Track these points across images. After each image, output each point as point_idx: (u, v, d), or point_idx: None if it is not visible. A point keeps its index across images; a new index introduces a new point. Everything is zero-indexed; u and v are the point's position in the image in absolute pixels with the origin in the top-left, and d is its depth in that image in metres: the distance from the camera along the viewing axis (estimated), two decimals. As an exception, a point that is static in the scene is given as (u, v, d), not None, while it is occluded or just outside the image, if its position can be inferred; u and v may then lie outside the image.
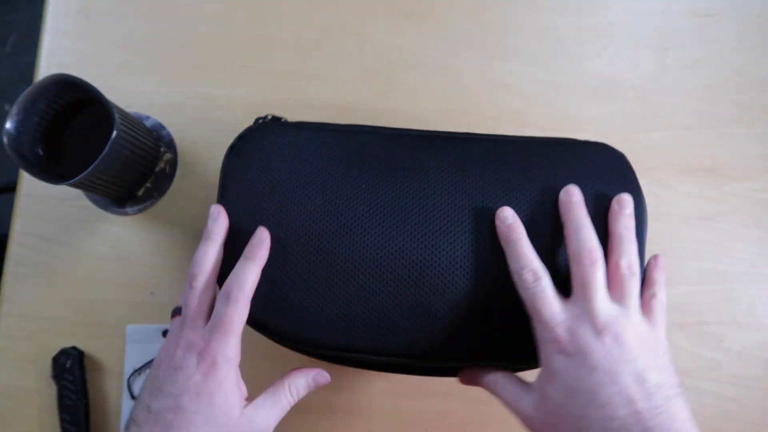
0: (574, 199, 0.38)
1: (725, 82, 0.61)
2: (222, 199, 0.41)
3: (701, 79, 0.61)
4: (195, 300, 0.38)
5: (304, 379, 0.40)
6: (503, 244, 0.38)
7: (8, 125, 0.49)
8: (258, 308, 0.39)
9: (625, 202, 0.39)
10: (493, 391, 0.39)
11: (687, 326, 0.56)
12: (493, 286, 0.38)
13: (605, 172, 0.42)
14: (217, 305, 0.37)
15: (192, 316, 0.37)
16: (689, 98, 0.61)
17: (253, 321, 0.40)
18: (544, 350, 0.36)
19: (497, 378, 0.39)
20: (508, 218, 0.38)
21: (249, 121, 0.60)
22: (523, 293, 0.37)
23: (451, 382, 0.55)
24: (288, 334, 0.40)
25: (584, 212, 0.38)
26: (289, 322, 0.39)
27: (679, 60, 0.62)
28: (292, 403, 0.39)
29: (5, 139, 0.49)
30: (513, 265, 0.37)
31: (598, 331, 0.34)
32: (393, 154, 0.42)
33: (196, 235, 0.58)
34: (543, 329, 0.36)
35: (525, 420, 0.37)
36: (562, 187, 0.39)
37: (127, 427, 0.35)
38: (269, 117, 0.48)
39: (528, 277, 0.36)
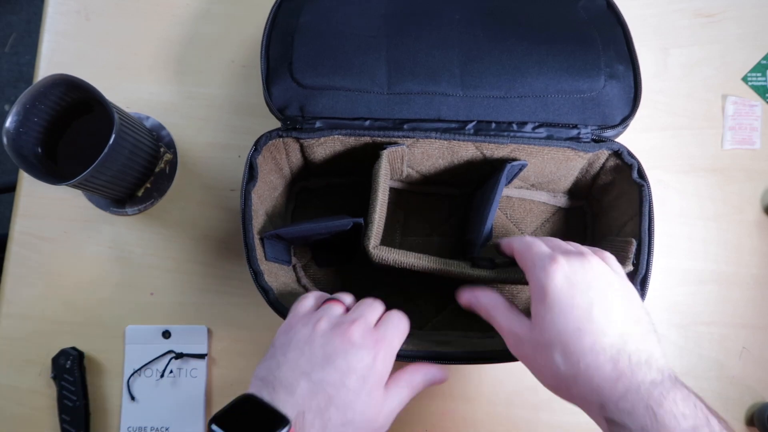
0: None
1: (725, 82, 0.61)
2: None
3: (701, 79, 0.61)
4: (368, 303, 0.41)
5: (423, 375, 0.41)
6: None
7: (8, 125, 0.49)
8: None
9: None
10: (488, 314, 0.41)
11: (687, 326, 0.56)
12: None
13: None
14: (393, 313, 0.41)
15: (367, 311, 0.40)
16: (689, 98, 0.61)
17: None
18: (537, 276, 0.37)
19: (494, 301, 0.41)
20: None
21: (249, 121, 0.60)
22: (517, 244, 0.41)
23: (451, 382, 0.55)
24: None
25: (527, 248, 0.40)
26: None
27: (679, 60, 0.62)
28: (411, 396, 0.40)
29: (5, 139, 0.49)
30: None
31: (586, 254, 0.37)
32: None
33: (196, 235, 0.58)
34: (538, 258, 0.37)
35: (516, 341, 0.38)
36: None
37: (260, 387, 0.36)
38: None
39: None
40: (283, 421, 0.33)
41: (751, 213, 0.58)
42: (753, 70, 0.61)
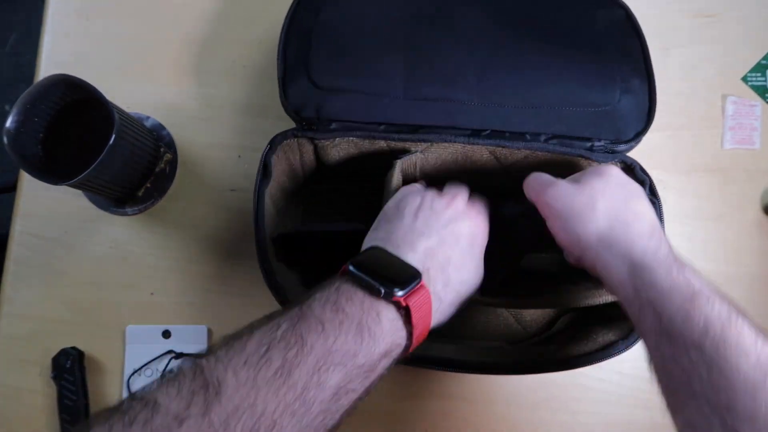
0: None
1: (725, 82, 0.61)
2: None
3: (701, 79, 0.61)
4: (457, 185, 0.45)
5: None
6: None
7: (8, 125, 0.49)
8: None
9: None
10: (540, 180, 0.43)
11: (687, 326, 0.56)
12: None
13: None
14: (477, 198, 0.45)
15: (461, 191, 0.44)
16: (689, 98, 0.61)
17: None
18: (596, 165, 0.46)
19: (543, 174, 0.44)
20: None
21: (250, 121, 0.60)
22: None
23: (451, 382, 0.55)
24: None
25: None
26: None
27: (679, 60, 0.62)
28: None
29: (5, 139, 0.49)
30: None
31: None
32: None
33: (196, 235, 0.58)
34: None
35: (566, 191, 0.40)
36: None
37: (384, 245, 0.38)
38: None
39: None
40: (416, 272, 0.35)
41: (750, 213, 0.58)
42: (753, 70, 0.61)
